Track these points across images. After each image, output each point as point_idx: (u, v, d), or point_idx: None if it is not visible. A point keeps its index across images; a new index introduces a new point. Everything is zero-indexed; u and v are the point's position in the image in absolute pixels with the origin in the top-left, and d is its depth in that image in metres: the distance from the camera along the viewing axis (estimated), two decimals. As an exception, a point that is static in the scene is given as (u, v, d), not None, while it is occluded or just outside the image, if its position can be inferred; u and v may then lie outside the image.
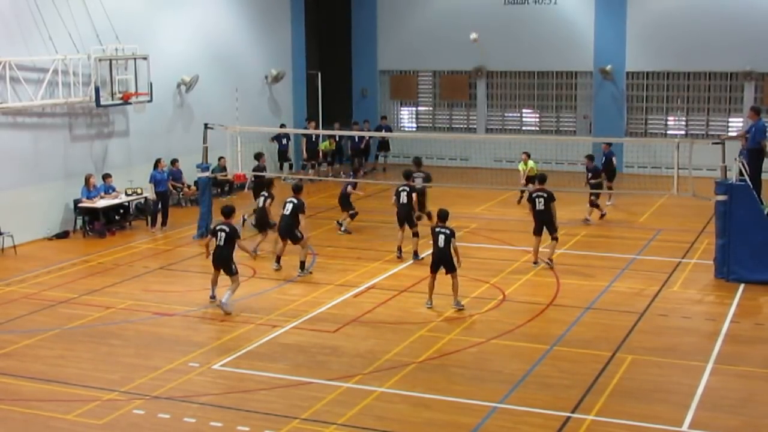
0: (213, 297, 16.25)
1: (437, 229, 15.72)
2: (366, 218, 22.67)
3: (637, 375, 12.82)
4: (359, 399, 12.04)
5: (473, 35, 22.19)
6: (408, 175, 19.98)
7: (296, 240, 18.12)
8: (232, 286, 15.85)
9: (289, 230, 18.12)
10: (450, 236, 15.59)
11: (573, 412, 11.55)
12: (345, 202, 22.03)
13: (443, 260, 15.64)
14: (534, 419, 11.39)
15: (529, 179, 23.61)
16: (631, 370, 12.97)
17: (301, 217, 18.10)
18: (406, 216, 19.33)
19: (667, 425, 11.17)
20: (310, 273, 18.23)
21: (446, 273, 15.72)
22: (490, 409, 11.68)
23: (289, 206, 18.20)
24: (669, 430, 11.10)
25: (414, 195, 19.38)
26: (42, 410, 11.84)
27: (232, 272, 15.82)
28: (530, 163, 24.80)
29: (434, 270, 15.83)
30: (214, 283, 16.23)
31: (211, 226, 17.20)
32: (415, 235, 19.17)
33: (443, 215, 15.94)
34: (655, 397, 12.02)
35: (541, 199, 18.37)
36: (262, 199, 19.57)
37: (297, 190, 18.72)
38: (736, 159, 17.92)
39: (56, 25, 21.47)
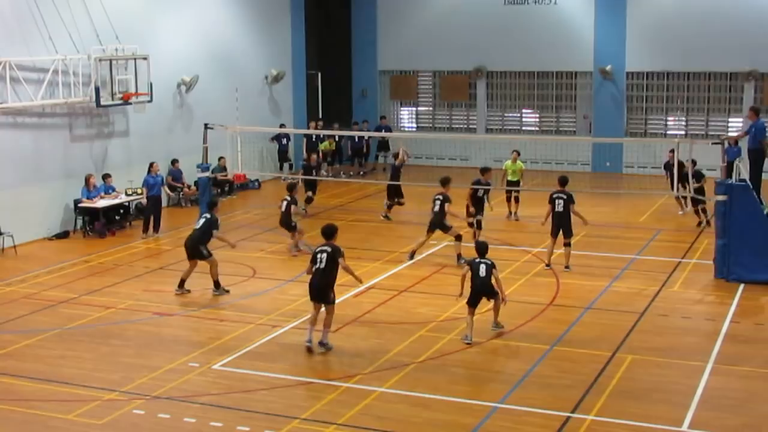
0: (310, 342, 13.67)
1: (477, 260, 14.38)
2: (366, 218, 22.67)
3: (637, 375, 12.82)
4: (359, 399, 12.04)
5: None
6: (445, 182, 19.49)
7: (292, 230, 19.76)
8: (327, 318, 13.72)
9: (287, 223, 19.74)
10: (491, 267, 14.30)
11: (573, 412, 11.55)
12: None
13: (485, 291, 14.42)
14: (534, 419, 11.39)
15: (510, 183, 23.00)
16: (631, 370, 12.96)
17: (293, 209, 19.62)
18: (438, 223, 18.98)
19: (667, 425, 11.17)
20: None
21: (489, 299, 14.62)
22: (490, 409, 11.68)
23: (284, 203, 19.69)
24: (669, 430, 11.10)
25: (447, 204, 18.94)
26: (42, 410, 11.83)
27: (329, 301, 13.73)
28: (519, 163, 23.58)
29: (474, 303, 14.33)
30: (313, 323, 13.75)
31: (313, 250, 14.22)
32: (458, 238, 18.76)
33: (482, 248, 14.60)
34: (655, 397, 12.02)
35: (561, 201, 18.18)
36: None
37: (291, 188, 19.94)
38: (740, 159, 17.94)
39: (56, 25, 21.47)
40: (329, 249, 13.66)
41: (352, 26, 33.96)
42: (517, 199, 23.16)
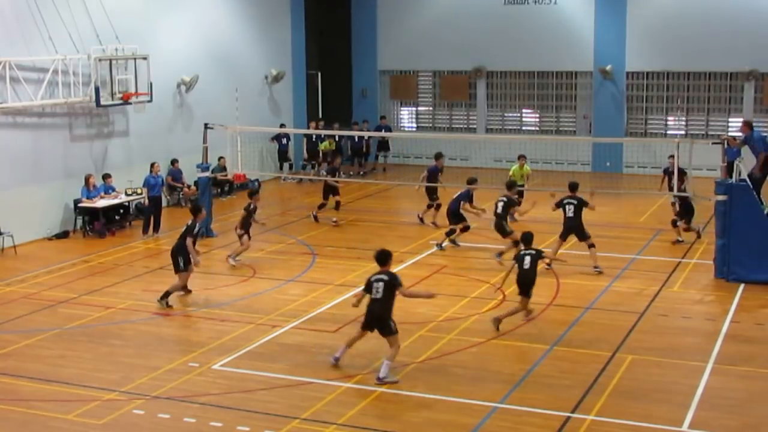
0: (336, 360, 13.22)
1: (523, 252, 14.86)
2: (366, 218, 22.67)
3: (637, 375, 12.82)
4: (359, 399, 12.04)
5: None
6: (510, 186, 19.63)
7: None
8: (392, 351, 12.74)
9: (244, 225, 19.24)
10: (536, 257, 14.85)
11: (573, 412, 11.54)
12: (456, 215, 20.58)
13: (527, 282, 14.76)
14: (534, 419, 11.39)
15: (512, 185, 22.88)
16: (631, 370, 12.96)
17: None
18: (498, 226, 19.12)
19: (667, 425, 11.17)
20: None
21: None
22: (490, 409, 11.68)
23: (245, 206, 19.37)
24: (669, 430, 11.10)
25: (511, 207, 19.23)
26: (42, 410, 11.83)
27: (391, 331, 12.80)
28: (526, 167, 23.48)
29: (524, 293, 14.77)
30: (350, 345, 13.26)
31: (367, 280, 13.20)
32: (515, 244, 18.14)
33: (527, 238, 15.11)
34: (655, 397, 12.02)
35: (571, 206, 18.18)
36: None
37: (251, 194, 19.57)
38: (740, 159, 17.94)
39: (56, 25, 21.47)
40: (386, 278, 12.72)
41: (352, 26, 33.96)
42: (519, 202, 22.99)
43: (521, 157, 23.53)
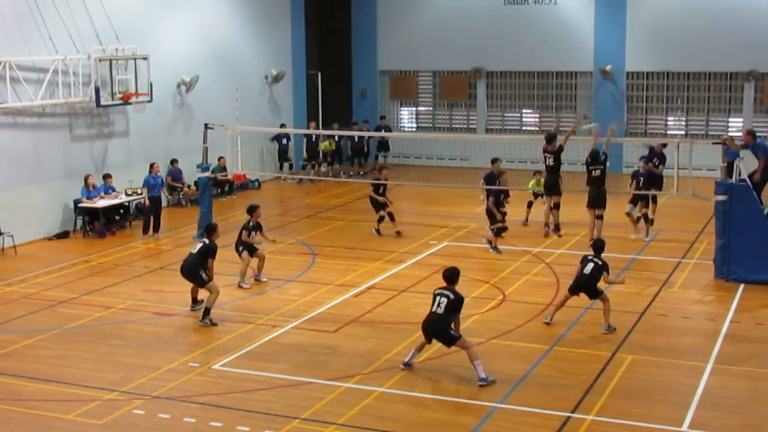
0: (406, 365, 13.05)
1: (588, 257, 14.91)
2: (366, 218, 22.65)
3: (637, 375, 12.82)
4: (359, 399, 12.04)
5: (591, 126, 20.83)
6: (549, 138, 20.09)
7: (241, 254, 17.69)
8: (469, 353, 12.59)
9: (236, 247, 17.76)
10: (602, 268, 14.66)
11: (573, 412, 11.55)
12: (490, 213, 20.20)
13: (585, 286, 14.80)
14: (534, 419, 11.39)
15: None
16: (631, 370, 12.97)
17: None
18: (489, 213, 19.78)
19: (667, 425, 11.18)
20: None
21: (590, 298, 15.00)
22: (490, 409, 11.68)
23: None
24: (669, 430, 11.10)
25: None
26: (42, 410, 11.84)
27: (452, 343, 12.68)
28: (542, 180, 22.32)
29: (573, 291, 14.95)
30: (420, 349, 13.10)
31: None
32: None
33: (599, 246, 15.04)
34: (655, 397, 12.02)
35: (598, 171, 19.40)
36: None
37: (250, 211, 17.76)
38: (739, 159, 17.93)
39: (56, 25, 21.47)
40: (451, 296, 12.65)
41: (352, 26, 33.95)
42: (530, 204, 22.91)
43: (537, 174, 22.83)
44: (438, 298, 12.71)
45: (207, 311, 15.14)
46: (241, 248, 17.47)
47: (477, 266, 18.53)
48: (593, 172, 19.60)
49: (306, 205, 25.38)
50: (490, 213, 19.87)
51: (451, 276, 12.97)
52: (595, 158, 19.58)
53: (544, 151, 20.16)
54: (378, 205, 21.53)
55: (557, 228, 20.35)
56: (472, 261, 19.09)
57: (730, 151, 18.90)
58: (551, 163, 20.00)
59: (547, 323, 14.92)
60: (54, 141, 22.12)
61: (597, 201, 19.65)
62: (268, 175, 28.90)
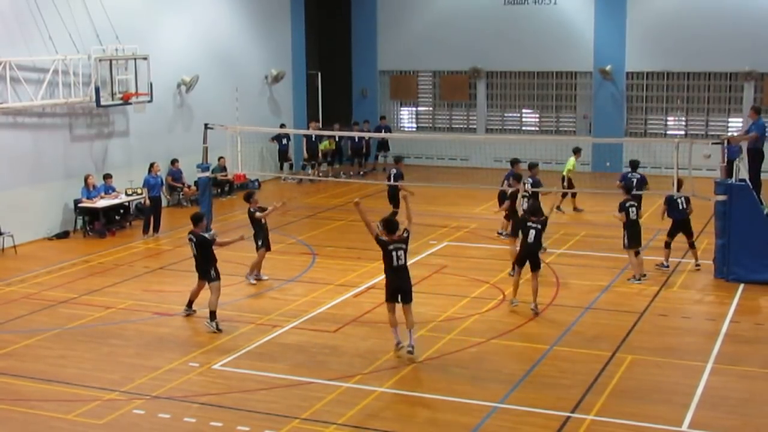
0: (401, 345, 13.56)
1: (529, 224, 15.46)
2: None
3: (637, 375, 12.82)
4: (359, 399, 12.04)
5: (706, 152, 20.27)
6: (629, 188, 18.71)
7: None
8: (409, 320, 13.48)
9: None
10: (543, 228, 15.49)
11: (573, 412, 11.55)
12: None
13: (532, 254, 15.46)
14: (534, 419, 11.39)
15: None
16: (631, 370, 12.97)
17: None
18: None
19: (667, 425, 11.17)
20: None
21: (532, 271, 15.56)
22: (490, 409, 11.68)
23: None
24: (669, 430, 11.10)
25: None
26: (42, 410, 11.84)
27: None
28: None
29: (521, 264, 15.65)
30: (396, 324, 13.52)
31: None
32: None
33: (534, 210, 15.84)
34: (655, 397, 12.02)
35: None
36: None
37: (248, 198, 17.72)
38: (740, 159, 17.94)
39: (56, 25, 21.47)
40: (407, 246, 13.51)
41: (352, 26, 33.95)
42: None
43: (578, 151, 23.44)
44: (395, 252, 13.33)
45: (213, 314, 14.88)
46: (259, 242, 17.45)
47: (477, 266, 18.53)
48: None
49: (306, 205, 25.39)
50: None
51: (393, 226, 13.71)
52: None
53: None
54: (395, 201, 21.24)
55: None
56: (472, 261, 19.09)
57: (732, 148, 19.01)
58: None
59: (515, 306, 15.48)
60: (54, 141, 22.12)
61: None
62: (268, 175, 28.90)
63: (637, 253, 17.42)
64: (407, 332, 13.38)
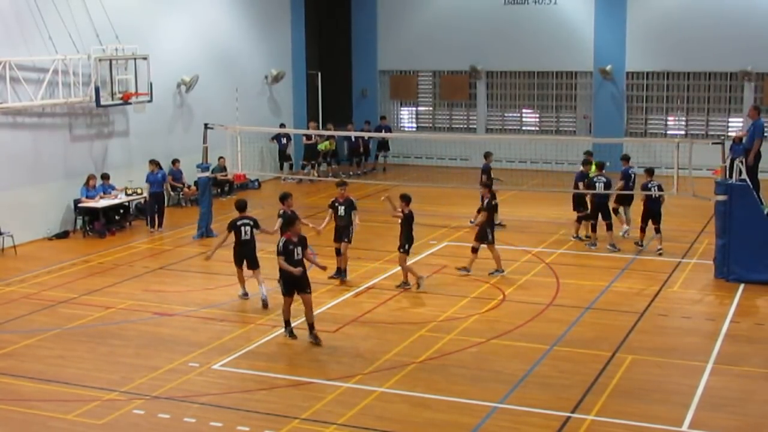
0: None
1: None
2: (366, 218, 22.61)
3: (637, 375, 12.82)
4: (359, 399, 12.04)
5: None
6: (645, 186, 19.63)
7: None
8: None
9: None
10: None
11: (573, 412, 11.55)
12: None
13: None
14: (534, 419, 11.39)
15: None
16: (631, 370, 12.97)
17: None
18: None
19: (667, 425, 11.17)
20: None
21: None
22: (490, 409, 11.68)
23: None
24: (669, 430, 11.10)
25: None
26: (42, 410, 11.84)
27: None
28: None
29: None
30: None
31: None
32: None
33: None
34: (655, 397, 12.02)
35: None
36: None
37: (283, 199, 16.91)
38: (740, 159, 17.93)
39: (56, 25, 21.47)
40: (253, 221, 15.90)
41: (352, 26, 33.94)
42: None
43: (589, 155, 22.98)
44: (243, 228, 15.85)
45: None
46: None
47: (477, 266, 18.51)
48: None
49: (306, 205, 25.37)
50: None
51: (244, 205, 16.19)
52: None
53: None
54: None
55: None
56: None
57: (736, 147, 19.04)
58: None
59: (467, 273, 17.51)
60: (54, 141, 22.12)
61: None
62: (268, 175, 28.89)
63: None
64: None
